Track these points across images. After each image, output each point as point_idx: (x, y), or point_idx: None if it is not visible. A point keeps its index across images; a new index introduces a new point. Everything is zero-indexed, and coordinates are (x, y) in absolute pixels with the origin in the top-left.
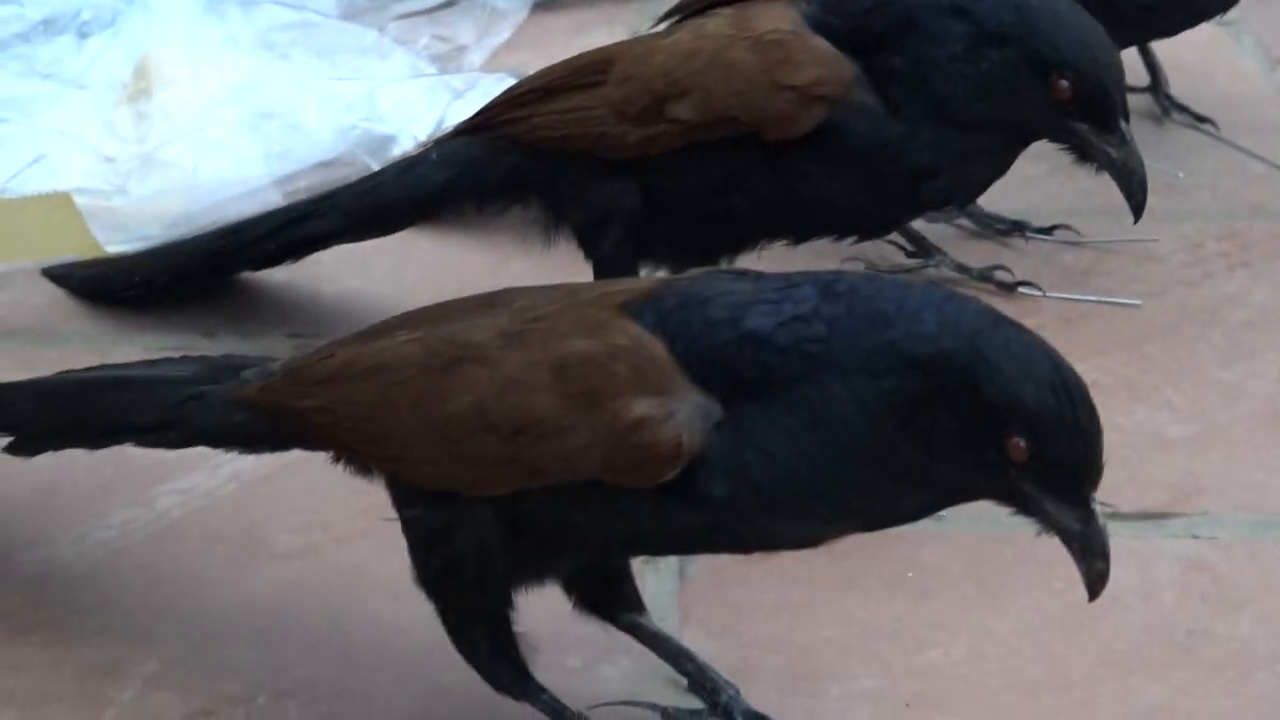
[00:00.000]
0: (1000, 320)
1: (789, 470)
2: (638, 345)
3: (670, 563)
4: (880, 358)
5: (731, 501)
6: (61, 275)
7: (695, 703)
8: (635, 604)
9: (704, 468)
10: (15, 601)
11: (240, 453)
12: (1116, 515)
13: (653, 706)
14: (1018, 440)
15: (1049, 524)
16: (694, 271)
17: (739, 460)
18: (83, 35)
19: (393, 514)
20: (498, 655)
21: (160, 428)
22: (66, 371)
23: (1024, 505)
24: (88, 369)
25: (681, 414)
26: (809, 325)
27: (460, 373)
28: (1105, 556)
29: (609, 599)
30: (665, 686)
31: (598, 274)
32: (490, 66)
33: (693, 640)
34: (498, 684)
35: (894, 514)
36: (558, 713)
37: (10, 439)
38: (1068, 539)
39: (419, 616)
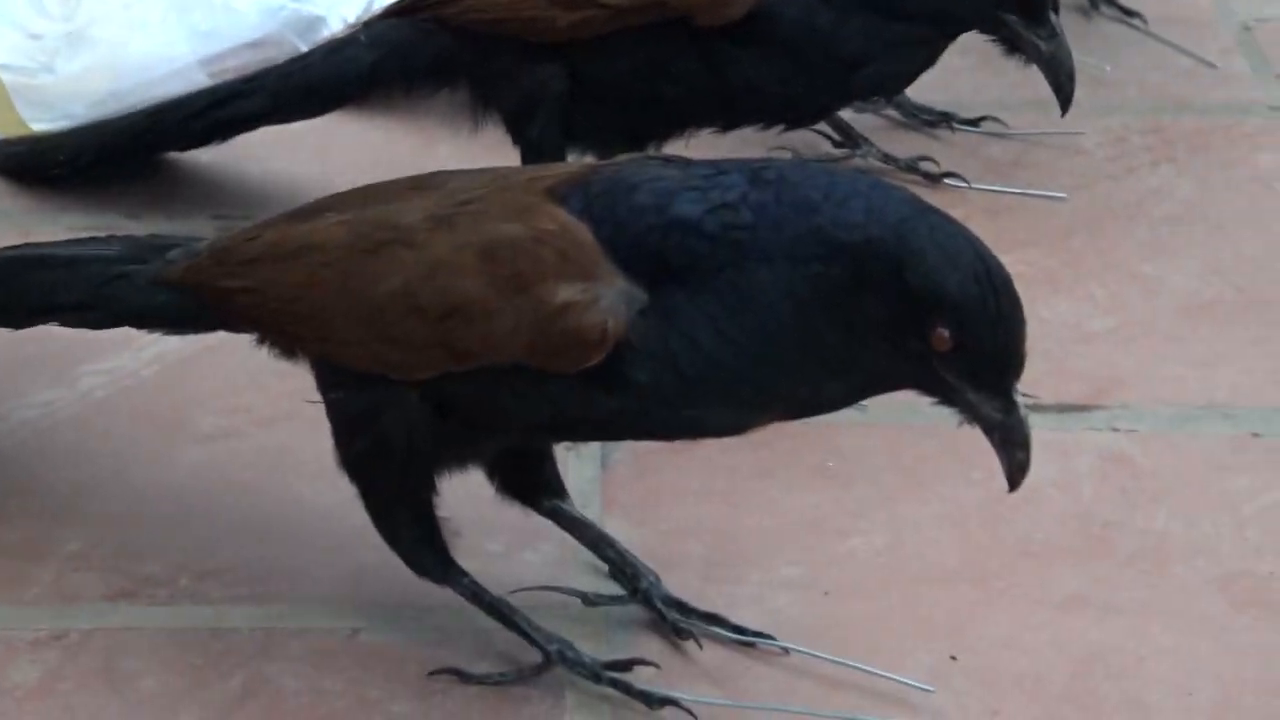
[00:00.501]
0: (926, 209)
1: (714, 357)
2: (564, 230)
3: (593, 449)
4: (806, 244)
5: (656, 388)
6: None
7: (616, 589)
8: (558, 490)
9: (629, 354)
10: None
11: (165, 334)
12: (1037, 407)
13: (573, 592)
14: (941, 329)
15: (971, 414)
16: (622, 158)
17: (664, 346)
18: None
19: (317, 397)
20: (420, 540)
21: (85, 307)
22: None
23: (946, 395)
24: (11, 248)
25: (607, 299)
26: (736, 212)
27: (388, 255)
28: (1026, 447)
29: (532, 484)
30: (586, 572)
31: (525, 159)
32: None
33: (614, 527)
34: (419, 568)
35: (818, 402)
36: (478, 597)
37: None
38: (989, 429)
39: (342, 499)
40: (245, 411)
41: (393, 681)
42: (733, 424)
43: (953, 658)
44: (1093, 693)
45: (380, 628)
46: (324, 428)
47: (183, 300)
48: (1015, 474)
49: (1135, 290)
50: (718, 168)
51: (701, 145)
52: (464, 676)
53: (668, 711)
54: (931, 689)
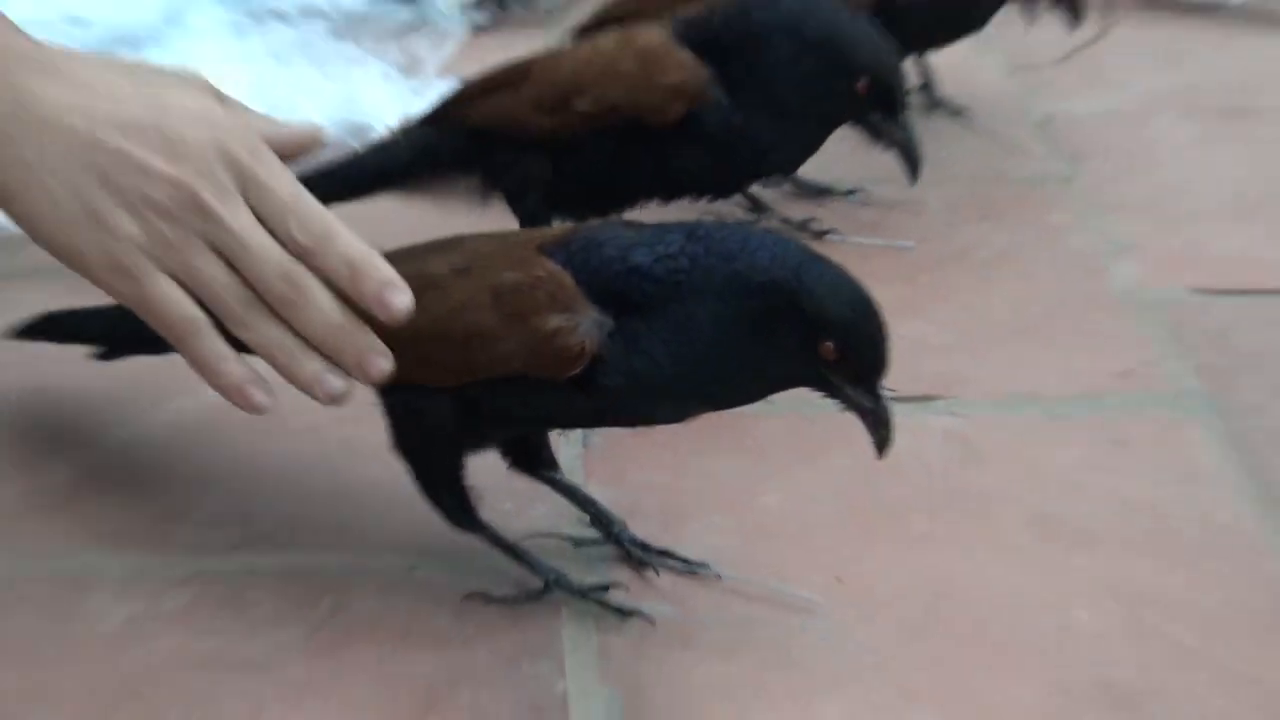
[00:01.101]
0: (816, 257)
1: (663, 368)
2: (551, 276)
3: (577, 434)
4: (729, 284)
5: (620, 390)
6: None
7: (595, 534)
8: (551, 463)
9: (601, 366)
10: (110, 462)
11: None
12: (896, 398)
13: (565, 537)
14: (828, 344)
15: (850, 404)
16: (593, 222)
17: (626, 360)
18: (137, 49)
19: (376, 400)
20: (454, 502)
21: None
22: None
23: (831, 391)
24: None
25: (584, 326)
26: (676, 260)
27: (424, 298)
28: (889, 427)
29: (533, 459)
30: (574, 523)
31: (521, 225)
32: (441, 74)
33: (594, 489)
34: (455, 522)
35: (739, 399)
36: (497, 541)
37: (98, 349)
38: (863, 414)
39: (398, 474)
40: (325, 413)
41: (439, 603)
42: (676, 415)
43: (838, 580)
44: (941, 609)
45: (430, 565)
46: (382, 424)
47: None
48: (881, 446)
49: (965, 315)
50: (663, 228)
51: (650, 212)
52: (488, 598)
53: (634, 619)
54: (823, 601)
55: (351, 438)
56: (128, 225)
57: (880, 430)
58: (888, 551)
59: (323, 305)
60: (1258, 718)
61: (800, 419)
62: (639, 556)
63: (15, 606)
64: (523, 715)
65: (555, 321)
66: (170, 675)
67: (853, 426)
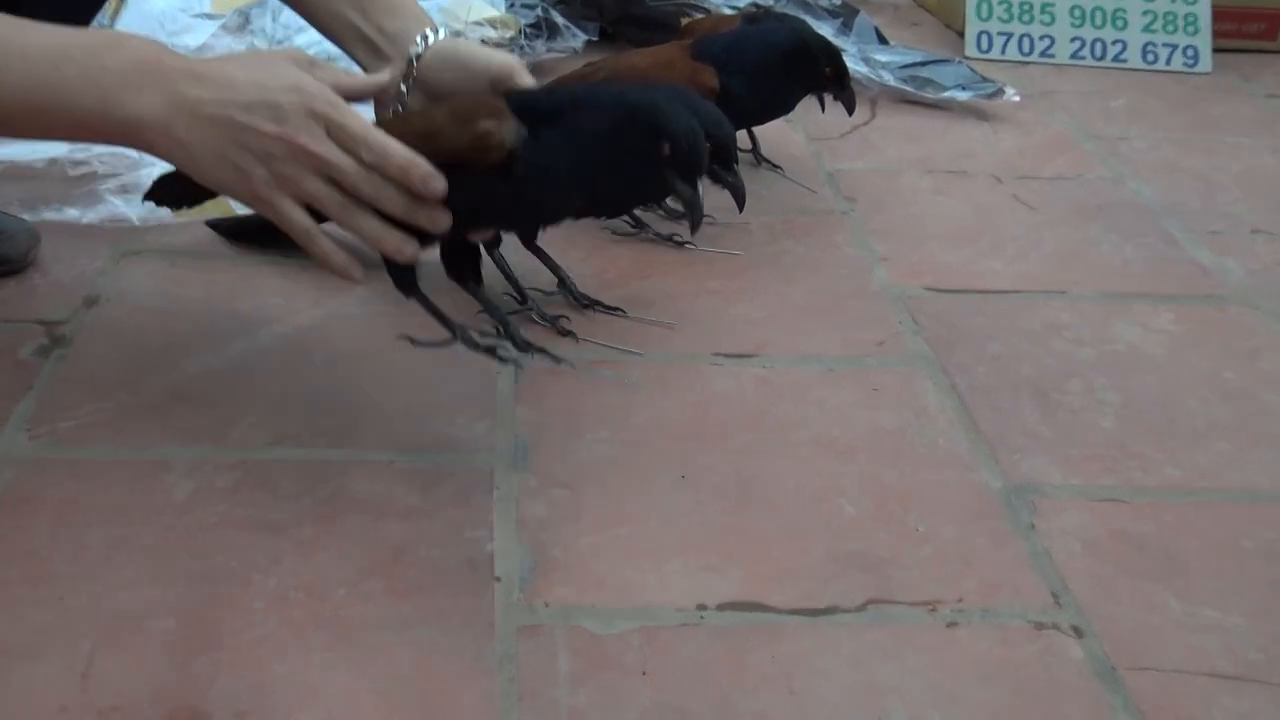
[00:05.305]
0: (675, 97)
1: (557, 164)
2: (491, 102)
3: (511, 371)
4: (608, 102)
5: (526, 177)
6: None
7: (492, 327)
8: (478, 278)
9: (516, 159)
10: (188, 382)
11: None
12: (726, 355)
13: (489, 318)
14: (664, 145)
15: (678, 194)
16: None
17: (533, 154)
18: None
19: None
20: (406, 278)
21: None
22: None
23: (670, 186)
24: None
25: (506, 128)
26: (573, 90)
27: (414, 122)
28: (700, 211)
29: (467, 276)
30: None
31: None
32: None
33: (518, 411)
34: (404, 290)
35: (605, 199)
36: (426, 303)
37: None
38: (685, 201)
39: (385, 401)
40: (338, 357)
41: (409, 486)
42: (560, 207)
43: (683, 477)
44: (752, 493)
45: (403, 460)
46: (375, 362)
47: None
48: (695, 227)
49: (775, 301)
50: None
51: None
52: (415, 341)
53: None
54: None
55: (352, 374)
56: (258, 170)
57: (695, 213)
58: (718, 455)
59: (394, 195)
60: (968, 582)
61: (666, 366)
62: (522, 345)
63: (111, 482)
64: (462, 568)
65: (487, 124)
66: (218, 533)
67: (689, 379)
